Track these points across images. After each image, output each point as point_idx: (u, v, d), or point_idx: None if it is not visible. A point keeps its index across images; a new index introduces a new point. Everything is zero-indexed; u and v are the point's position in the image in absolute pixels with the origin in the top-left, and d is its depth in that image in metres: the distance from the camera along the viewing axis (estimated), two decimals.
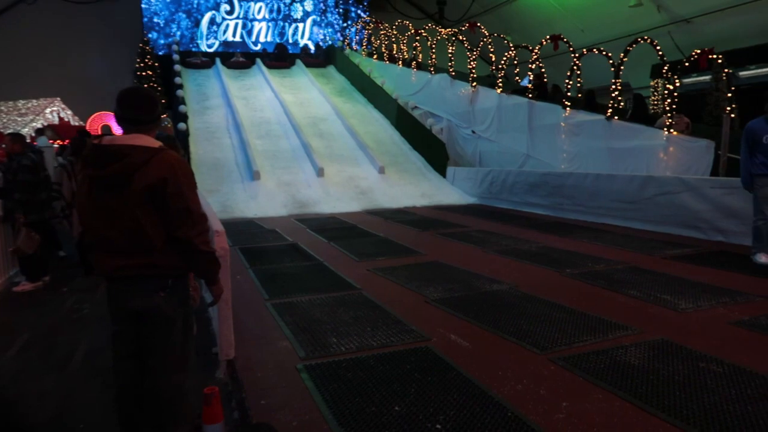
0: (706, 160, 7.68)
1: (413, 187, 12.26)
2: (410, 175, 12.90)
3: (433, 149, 13.44)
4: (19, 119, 16.79)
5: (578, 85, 10.58)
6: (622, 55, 9.27)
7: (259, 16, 23.21)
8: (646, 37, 9.28)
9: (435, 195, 11.97)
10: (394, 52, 17.94)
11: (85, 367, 3.80)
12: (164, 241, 2.26)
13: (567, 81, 10.30)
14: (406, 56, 17.27)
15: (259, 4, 23.07)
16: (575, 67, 10.29)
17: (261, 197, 11.09)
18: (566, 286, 5.05)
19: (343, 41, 22.02)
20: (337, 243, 7.43)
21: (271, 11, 23.29)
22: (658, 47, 9.20)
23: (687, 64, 8.36)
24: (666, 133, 8.26)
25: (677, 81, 8.40)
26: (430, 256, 6.49)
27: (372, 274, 5.70)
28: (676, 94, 8.23)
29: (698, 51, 8.42)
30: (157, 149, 2.26)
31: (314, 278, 5.61)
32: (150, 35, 20.88)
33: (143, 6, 21.23)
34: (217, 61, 19.51)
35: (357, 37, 21.34)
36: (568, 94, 10.30)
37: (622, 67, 9.27)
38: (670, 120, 8.20)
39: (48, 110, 17.12)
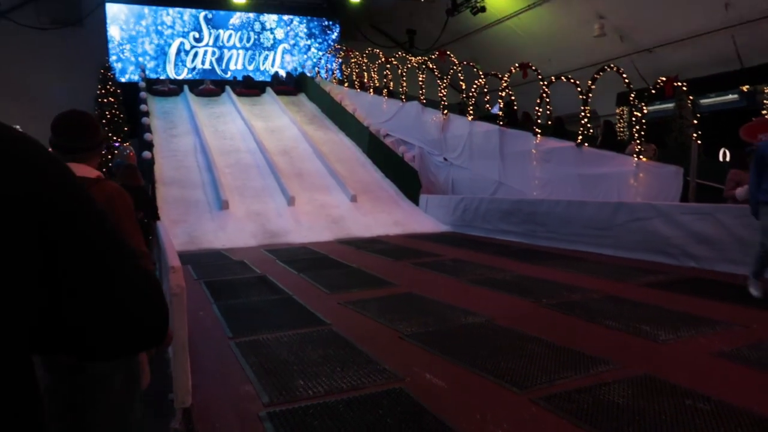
0: (676, 186, 7.72)
1: (386, 216, 12.10)
2: (383, 203, 12.76)
3: (405, 177, 13.36)
4: None
5: (548, 112, 10.66)
6: (589, 82, 9.38)
7: (230, 44, 23.12)
8: (612, 65, 9.41)
9: (408, 223, 11.82)
10: (365, 80, 17.97)
11: None
12: None
13: (537, 108, 10.36)
14: (377, 84, 17.30)
15: (228, 32, 22.98)
16: (544, 95, 10.36)
17: (230, 227, 10.79)
18: (543, 317, 4.90)
19: (316, 69, 22.01)
20: (307, 274, 7.18)
21: (241, 39, 23.23)
22: (624, 75, 9.32)
23: (654, 91, 8.45)
24: (636, 159, 8.30)
25: (644, 108, 8.48)
26: (404, 287, 6.30)
27: (343, 308, 5.47)
28: (644, 120, 8.30)
29: (663, 78, 8.55)
30: (94, 180, 2.04)
31: (282, 313, 5.35)
32: (116, 61, 20.52)
33: (109, 36, 20.91)
34: (185, 88, 19.26)
35: (327, 65, 21.36)
36: (539, 121, 10.34)
37: (590, 95, 9.35)
38: (639, 147, 8.25)
39: None
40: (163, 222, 7.91)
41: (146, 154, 11.91)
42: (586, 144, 9.26)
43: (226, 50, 23.02)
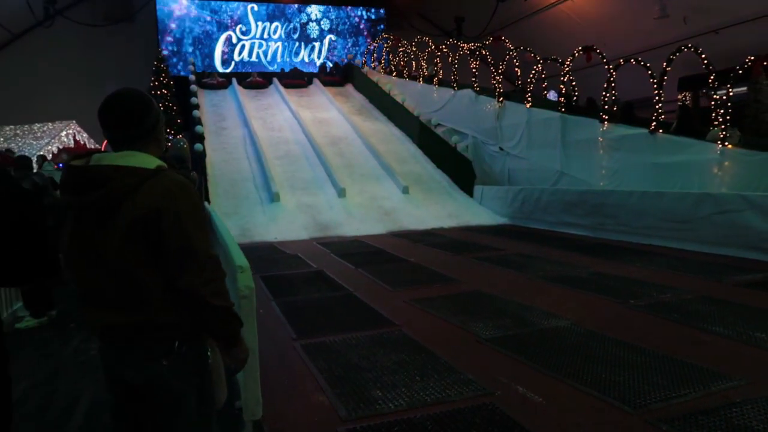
0: None
1: (439, 207, 11.69)
2: (436, 195, 12.34)
3: (458, 167, 12.88)
4: (35, 143, 16.54)
5: (613, 98, 9.99)
6: (664, 64, 8.70)
7: (276, 36, 23.04)
8: (689, 45, 8.71)
9: (463, 215, 11.38)
10: (414, 69, 17.50)
11: (87, 426, 3.25)
12: (164, 290, 1.69)
13: (603, 93, 9.71)
14: (426, 73, 16.82)
15: (275, 24, 22.90)
16: (611, 79, 9.71)
17: (281, 220, 10.59)
18: (635, 321, 4.42)
19: (363, 59, 21.69)
20: (366, 269, 6.86)
21: (287, 31, 23.12)
22: (704, 56, 8.61)
23: (740, 71, 7.73)
24: (720, 146, 7.62)
25: (730, 90, 7.77)
26: (470, 284, 5.89)
27: (410, 307, 5.11)
28: (729, 104, 7.61)
29: (752, 57, 7.81)
30: (153, 171, 1.70)
31: (346, 312, 5.03)
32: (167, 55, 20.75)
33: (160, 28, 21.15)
34: (234, 81, 19.23)
35: (375, 55, 20.98)
36: (605, 107, 9.69)
37: (665, 78, 8.69)
38: (723, 132, 7.57)
39: (63, 133, 16.88)
40: (217, 213, 7.74)
41: (198, 146, 11.84)
42: (661, 130, 8.60)
43: (272, 42, 22.97)
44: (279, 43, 23.04)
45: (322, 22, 23.61)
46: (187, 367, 1.77)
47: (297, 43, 23.32)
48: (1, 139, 17.05)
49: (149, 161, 1.74)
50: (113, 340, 1.73)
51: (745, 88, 12.12)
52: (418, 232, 10.14)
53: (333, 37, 23.79)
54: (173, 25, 21.56)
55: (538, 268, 6.53)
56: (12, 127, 17.66)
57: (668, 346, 3.74)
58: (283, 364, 3.78)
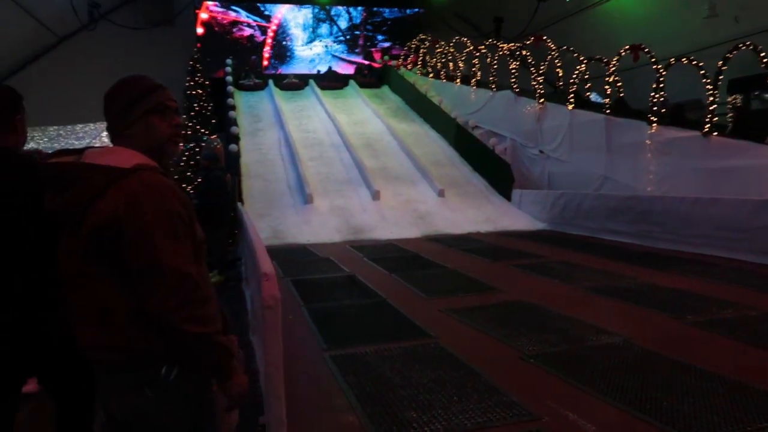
0: None
1: (476, 211, 11.34)
2: (472, 199, 11.99)
3: (496, 171, 12.50)
4: (77, 143, 16.88)
5: (662, 99, 9.48)
6: (720, 63, 8.20)
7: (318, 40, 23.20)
8: (748, 43, 8.19)
9: (500, 220, 11.00)
10: (452, 70, 17.18)
11: None
12: (138, 312, 1.44)
13: (651, 95, 9.22)
14: (464, 74, 16.47)
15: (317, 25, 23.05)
16: (661, 80, 9.22)
17: (314, 222, 10.42)
18: (695, 340, 4.04)
19: (398, 60, 21.47)
20: (399, 275, 6.60)
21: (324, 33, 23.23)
22: (763, 54, 8.07)
23: None
24: None
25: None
26: (511, 293, 5.57)
27: (446, 317, 4.83)
28: None
29: None
30: (127, 170, 1.45)
31: (378, 321, 4.79)
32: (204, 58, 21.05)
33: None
34: (270, 82, 19.25)
35: (411, 56, 20.73)
36: (653, 108, 9.19)
37: (720, 77, 8.18)
38: None
39: (104, 133, 17.17)
40: (249, 215, 7.60)
41: (233, 147, 11.79)
42: (716, 133, 8.09)
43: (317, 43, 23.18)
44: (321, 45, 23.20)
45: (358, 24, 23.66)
46: (178, 399, 1.49)
47: (337, 45, 23.44)
48: (45, 139, 17.49)
49: (126, 158, 1.48)
50: (97, 361, 1.50)
51: None
52: (454, 237, 9.83)
53: (369, 37, 23.76)
54: (210, 28, 21.86)
55: (583, 278, 6.15)
56: (56, 127, 18.07)
57: (737, 370, 3.36)
58: (312, 377, 3.55)
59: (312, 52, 23.22)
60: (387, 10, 23.96)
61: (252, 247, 3.82)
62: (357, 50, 23.63)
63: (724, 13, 15.56)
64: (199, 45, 20.03)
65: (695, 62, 8.89)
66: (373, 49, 23.54)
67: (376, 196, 11.42)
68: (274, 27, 22.74)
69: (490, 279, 6.24)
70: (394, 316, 4.90)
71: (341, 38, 23.48)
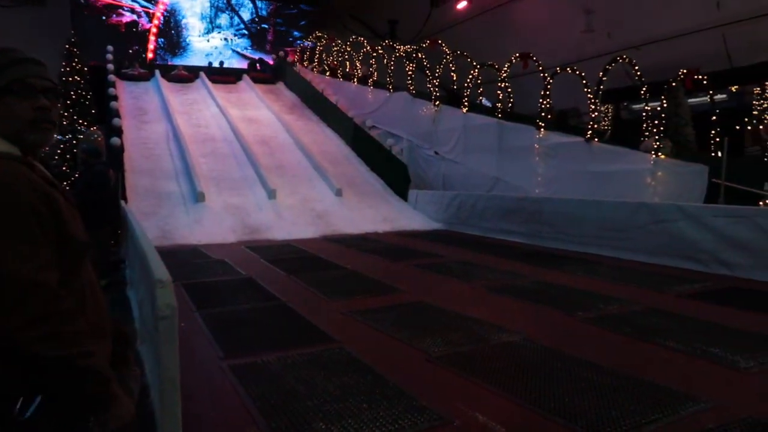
0: (699, 187, 7.18)
1: (374, 211, 11.35)
2: (370, 198, 12.00)
3: (393, 171, 12.61)
4: None
5: (548, 105, 10.05)
6: (601, 73, 8.81)
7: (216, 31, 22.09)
8: (624, 56, 8.87)
9: (397, 219, 11.10)
10: (348, 69, 17.13)
11: None
12: None
13: (540, 101, 9.73)
14: (361, 74, 16.49)
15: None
16: (548, 87, 9.76)
17: (206, 221, 9.89)
18: (587, 335, 4.24)
19: (294, 57, 21.06)
20: (299, 277, 6.40)
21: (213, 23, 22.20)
22: (637, 68, 8.78)
23: (674, 83, 7.92)
24: (653, 156, 7.74)
25: (664, 101, 7.94)
26: (413, 294, 5.57)
27: (350, 320, 4.71)
28: (663, 115, 7.76)
29: (684, 71, 8.03)
30: None
31: (279, 325, 4.57)
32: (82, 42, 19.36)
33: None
34: (157, 73, 18.12)
35: (308, 53, 20.43)
36: (541, 114, 9.71)
37: (602, 87, 8.79)
38: (657, 143, 7.70)
39: None
40: (134, 214, 7.03)
41: (115, 140, 10.86)
42: (597, 139, 8.68)
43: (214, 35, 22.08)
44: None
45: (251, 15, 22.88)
46: None
47: (239, 39, 22.48)
48: None
49: None
50: None
51: (659, 103, 12.63)
52: (353, 237, 9.76)
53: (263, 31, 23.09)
54: (88, 11, 20.13)
55: (481, 277, 6.31)
56: None
57: (626, 364, 3.55)
58: (210, 391, 3.28)
59: (209, 45, 22.13)
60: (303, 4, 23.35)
61: (141, 249, 3.46)
62: (267, 47, 22.69)
63: (598, 29, 16.85)
64: (72, 30, 18.42)
65: (577, 71, 9.49)
66: (288, 49, 22.54)
67: (272, 194, 11.09)
68: (159, 14, 21.38)
69: (391, 279, 6.22)
70: (296, 320, 4.71)
71: (244, 31, 22.53)
